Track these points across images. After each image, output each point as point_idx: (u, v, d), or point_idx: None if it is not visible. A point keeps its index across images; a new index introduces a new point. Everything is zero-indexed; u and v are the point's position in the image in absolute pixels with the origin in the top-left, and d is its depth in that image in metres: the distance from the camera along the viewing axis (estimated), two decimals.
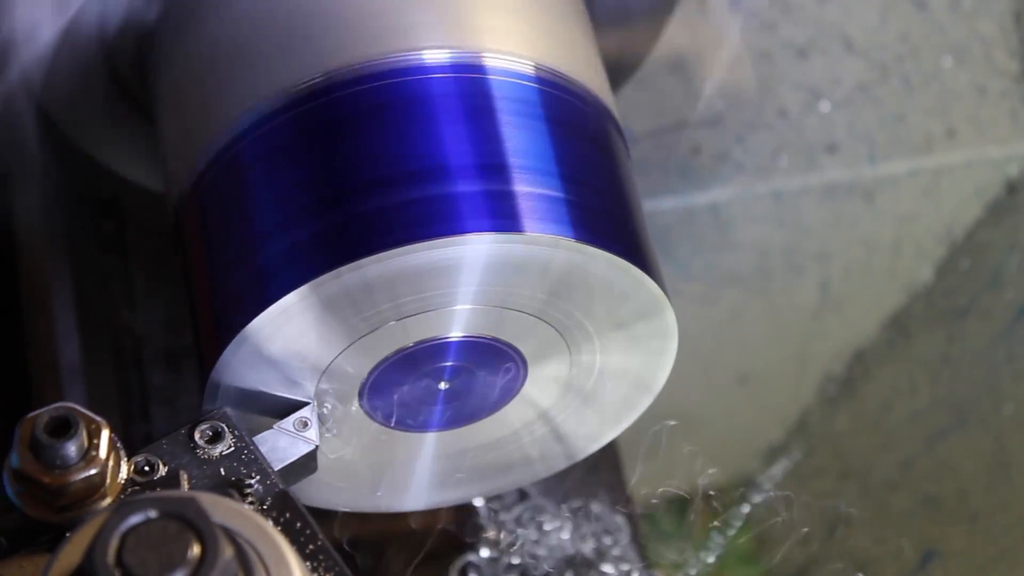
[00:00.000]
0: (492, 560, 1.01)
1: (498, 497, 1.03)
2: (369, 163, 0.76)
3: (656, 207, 1.24)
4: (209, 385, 0.78)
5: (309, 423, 0.78)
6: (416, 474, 0.88)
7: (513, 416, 0.85)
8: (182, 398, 1.05)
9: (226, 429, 0.74)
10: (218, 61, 0.83)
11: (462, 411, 0.84)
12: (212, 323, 0.79)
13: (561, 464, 0.91)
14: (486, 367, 0.82)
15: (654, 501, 1.60)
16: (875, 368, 1.47)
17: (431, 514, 1.03)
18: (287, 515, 0.72)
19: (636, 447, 1.19)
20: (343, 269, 0.74)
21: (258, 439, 0.76)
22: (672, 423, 1.49)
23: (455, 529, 1.02)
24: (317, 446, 0.78)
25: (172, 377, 1.06)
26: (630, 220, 0.81)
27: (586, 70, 0.84)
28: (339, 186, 0.76)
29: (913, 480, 1.43)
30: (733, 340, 1.43)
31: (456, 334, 0.79)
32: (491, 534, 1.01)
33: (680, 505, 1.60)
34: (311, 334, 0.77)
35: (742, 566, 1.57)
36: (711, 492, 1.14)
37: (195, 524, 0.58)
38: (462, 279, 0.76)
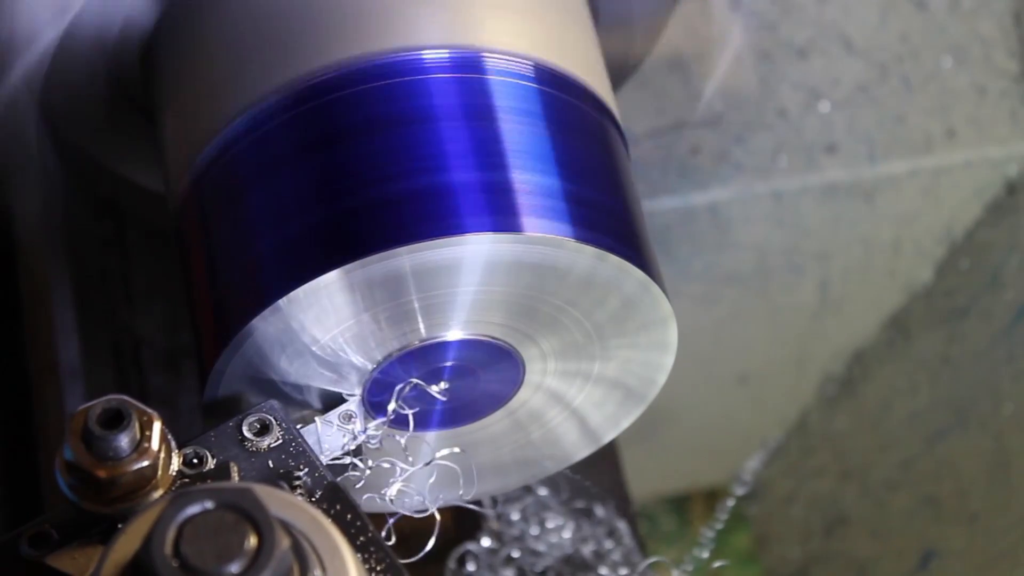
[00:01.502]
0: (491, 551, 1.01)
1: (494, 497, 1.03)
2: (368, 162, 0.76)
3: (656, 207, 1.24)
4: (209, 385, 0.79)
5: (354, 416, 0.78)
6: (416, 474, 0.88)
7: (512, 416, 0.85)
8: (182, 398, 1.05)
9: (274, 422, 0.74)
10: (216, 61, 0.83)
11: (461, 411, 0.84)
12: (211, 323, 0.79)
13: (560, 464, 0.91)
14: (486, 367, 0.82)
15: (654, 501, 1.60)
16: (875, 368, 1.47)
17: (430, 514, 1.03)
18: (338, 507, 0.71)
19: (636, 447, 1.19)
20: (342, 269, 0.74)
21: (306, 430, 0.77)
22: (672, 423, 1.49)
23: (454, 528, 1.03)
24: (364, 437, 0.78)
25: (172, 377, 1.06)
26: (630, 220, 0.81)
27: (586, 70, 0.84)
28: (338, 185, 0.76)
29: (913, 480, 1.43)
30: (733, 340, 1.43)
31: (456, 334, 0.79)
32: (493, 524, 1.01)
33: (680, 505, 1.60)
34: (310, 334, 0.77)
35: (742, 566, 1.57)
36: (711, 492, 1.14)
37: (252, 515, 0.58)
38: (462, 279, 0.76)
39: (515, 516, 1.02)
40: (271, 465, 0.73)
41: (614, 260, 0.78)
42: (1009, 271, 1.35)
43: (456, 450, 0.82)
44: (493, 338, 0.80)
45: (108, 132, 0.95)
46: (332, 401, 0.81)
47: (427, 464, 0.81)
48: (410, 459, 0.81)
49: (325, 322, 0.76)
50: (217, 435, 0.74)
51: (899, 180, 1.30)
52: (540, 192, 0.77)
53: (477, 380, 0.82)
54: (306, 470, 0.73)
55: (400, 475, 0.80)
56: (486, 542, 1.01)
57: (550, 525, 1.02)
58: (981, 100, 1.28)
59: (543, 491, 1.04)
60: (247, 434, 0.74)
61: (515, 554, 1.01)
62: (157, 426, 0.68)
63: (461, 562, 1.02)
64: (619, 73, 0.98)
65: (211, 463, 0.73)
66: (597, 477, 1.05)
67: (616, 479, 1.07)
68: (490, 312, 0.79)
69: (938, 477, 1.41)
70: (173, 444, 0.69)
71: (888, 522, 1.46)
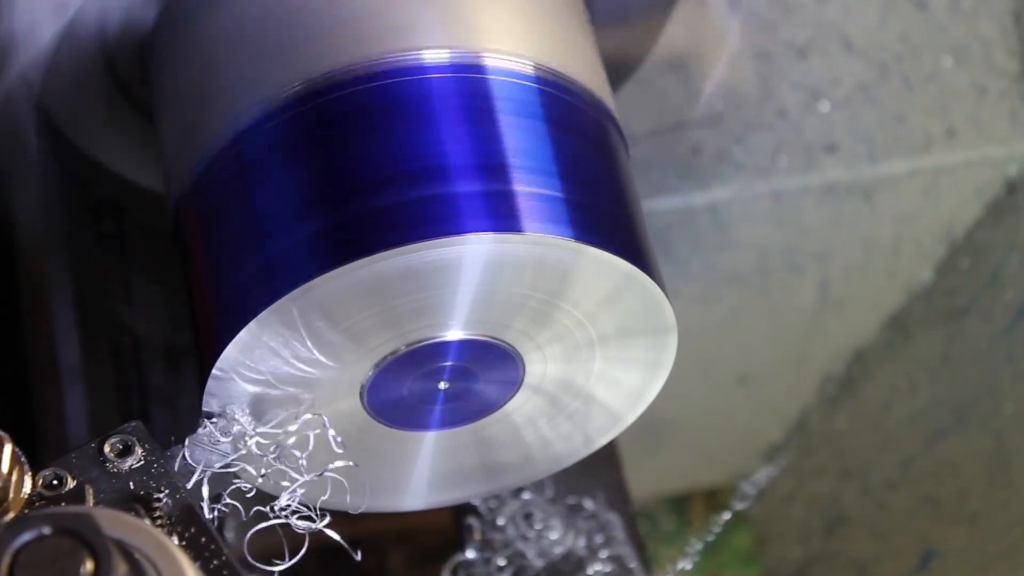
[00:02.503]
0: (484, 560, 1.01)
1: (493, 496, 1.03)
2: (368, 163, 0.76)
3: (656, 207, 1.24)
4: (207, 386, 0.79)
5: (225, 435, 0.78)
6: (415, 474, 0.88)
7: (511, 417, 0.86)
8: (182, 398, 1.05)
9: (136, 442, 0.74)
10: (216, 61, 0.83)
11: (461, 411, 0.84)
12: (211, 323, 0.79)
13: (559, 465, 0.91)
14: (485, 367, 0.82)
15: (654, 501, 1.60)
16: (875, 368, 1.47)
17: (431, 514, 1.03)
18: (192, 530, 0.71)
19: (636, 447, 1.19)
20: (342, 269, 0.74)
21: (172, 451, 0.76)
22: (672, 423, 1.49)
23: (454, 528, 1.03)
24: (233, 458, 0.77)
25: (172, 377, 1.06)
26: (630, 220, 0.81)
27: (586, 70, 0.84)
28: (338, 186, 0.76)
29: (913, 480, 1.43)
30: (733, 340, 1.43)
31: (456, 334, 0.79)
32: (477, 536, 1.01)
33: (680, 505, 1.60)
34: (309, 334, 0.77)
35: (742, 566, 1.58)
36: (711, 492, 1.14)
37: (89, 540, 0.58)
38: (462, 279, 0.76)
39: (504, 521, 1.02)
40: (131, 487, 0.73)
41: (614, 260, 0.78)
42: (1009, 271, 1.35)
43: (351, 463, 0.81)
44: (493, 338, 0.80)
45: (107, 131, 0.95)
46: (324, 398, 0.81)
47: (319, 475, 0.80)
48: (303, 468, 0.80)
49: (325, 322, 0.76)
50: (78, 456, 0.73)
51: (899, 180, 1.30)
52: (540, 193, 0.77)
53: (476, 380, 0.82)
54: (167, 491, 0.73)
55: (293, 485, 0.80)
56: (471, 553, 1.01)
57: (539, 527, 1.02)
58: (981, 100, 1.28)
59: (532, 493, 1.04)
60: (108, 455, 0.73)
61: (501, 562, 1.01)
62: (8, 448, 0.67)
63: (455, 573, 1.02)
64: (619, 73, 0.98)
65: (71, 484, 0.72)
66: (597, 477, 1.05)
67: (616, 479, 1.07)
68: (490, 312, 0.79)
69: (938, 477, 1.41)
70: (27, 467, 0.69)
71: (888, 522, 1.46)
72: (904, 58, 1.25)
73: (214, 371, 0.78)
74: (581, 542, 1.03)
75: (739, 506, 1.23)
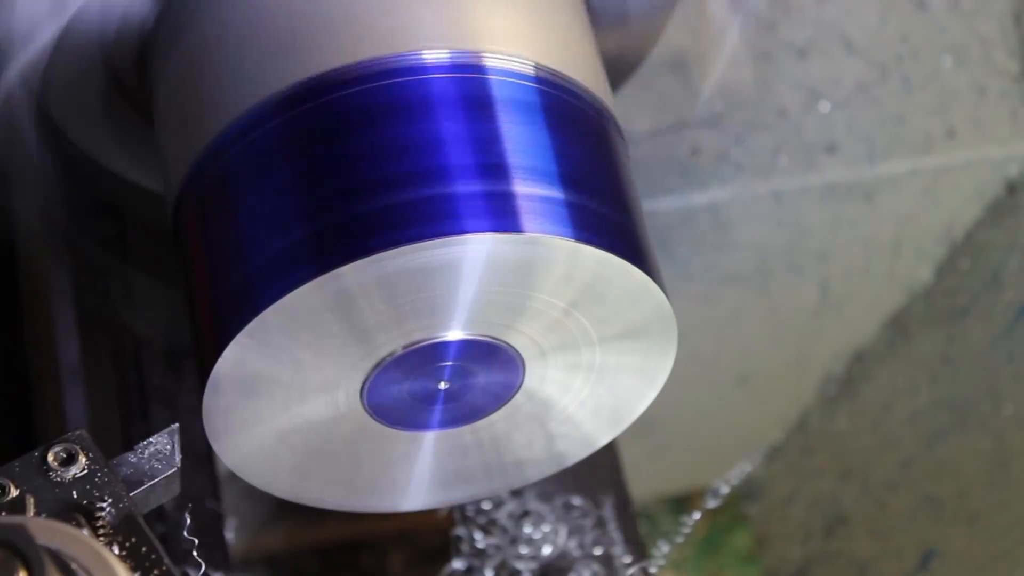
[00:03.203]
0: (476, 567, 1.01)
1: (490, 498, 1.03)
2: (368, 163, 0.76)
3: (656, 207, 1.24)
4: (207, 385, 0.79)
5: (170, 445, 0.78)
6: (415, 474, 0.88)
7: (512, 417, 0.85)
8: (182, 398, 1.05)
9: (80, 451, 0.73)
10: (215, 61, 0.83)
11: (461, 411, 0.84)
12: (211, 324, 0.79)
13: (558, 465, 0.91)
14: (486, 367, 0.82)
15: (654, 501, 1.60)
16: (875, 368, 1.47)
17: (431, 514, 1.03)
18: (133, 539, 0.71)
19: (636, 447, 1.19)
20: (342, 269, 0.74)
21: (119, 460, 0.75)
22: (672, 423, 1.49)
23: (453, 529, 1.03)
24: (178, 468, 0.77)
25: (172, 377, 1.06)
26: (630, 220, 0.81)
27: (586, 70, 0.84)
28: (337, 186, 0.76)
29: (913, 480, 1.43)
30: (733, 340, 1.43)
31: (456, 334, 0.79)
32: (465, 545, 1.01)
33: (680, 505, 1.60)
34: (309, 334, 0.77)
35: (742, 566, 1.58)
36: (711, 492, 1.14)
37: (22, 551, 0.58)
38: (462, 279, 0.76)
39: (495, 525, 1.02)
40: (75, 496, 0.72)
41: (614, 261, 0.78)
42: (1009, 271, 1.35)
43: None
44: (493, 338, 0.80)
45: (107, 131, 0.95)
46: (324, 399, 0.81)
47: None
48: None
49: (324, 322, 0.76)
50: (21, 465, 0.73)
51: (899, 180, 1.30)
52: (540, 193, 0.77)
53: (477, 380, 0.82)
54: (110, 501, 0.72)
55: None
56: (459, 564, 1.01)
57: (539, 528, 1.02)
58: (981, 100, 1.28)
59: (531, 493, 1.04)
60: (52, 464, 0.73)
61: (496, 566, 1.01)
62: None
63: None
64: (619, 73, 0.98)
65: (13, 493, 0.72)
66: (597, 477, 1.05)
67: (616, 479, 1.07)
68: (490, 312, 0.79)
69: (938, 477, 1.41)
70: None
71: (888, 522, 1.46)
72: (904, 58, 1.25)
73: (213, 371, 0.78)
74: (581, 543, 1.03)
75: (711, 505, 1.23)
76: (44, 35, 0.86)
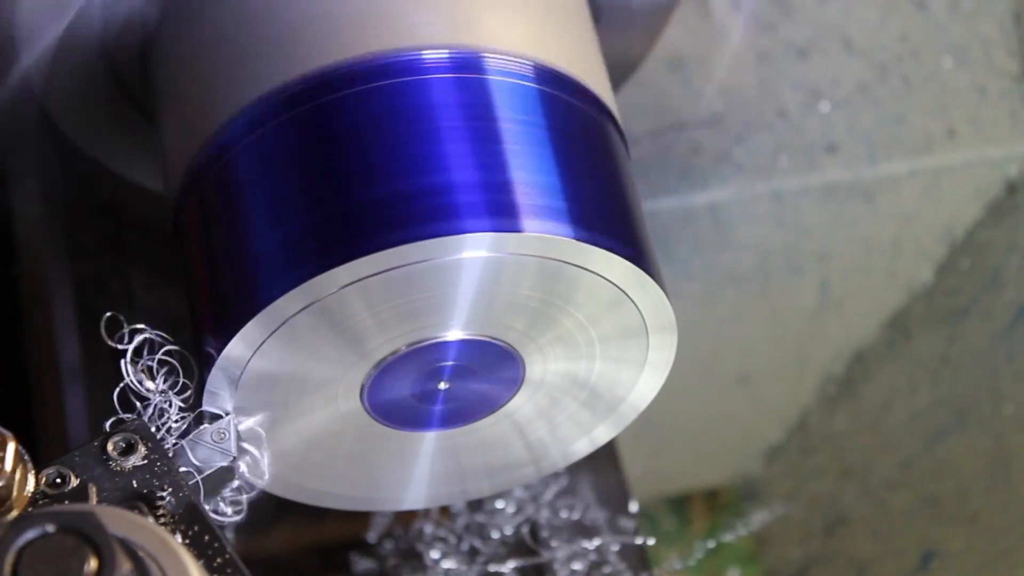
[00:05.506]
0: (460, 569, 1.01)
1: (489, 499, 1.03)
2: (368, 163, 0.76)
3: (656, 207, 1.24)
4: (207, 384, 0.79)
5: (226, 435, 0.78)
6: (415, 474, 0.88)
7: (512, 417, 0.86)
8: None
9: (139, 441, 0.74)
10: (215, 61, 0.83)
11: (461, 411, 0.84)
12: (210, 323, 0.79)
13: (559, 464, 0.91)
14: (485, 367, 0.82)
15: (654, 501, 1.60)
16: (875, 368, 1.47)
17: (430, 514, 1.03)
18: (195, 528, 0.72)
19: (636, 447, 1.19)
20: (341, 269, 0.74)
21: (175, 450, 0.76)
22: (672, 423, 1.49)
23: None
24: (235, 457, 0.77)
25: None
26: (630, 220, 0.81)
27: (586, 70, 0.84)
28: (336, 186, 0.76)
29: (913, 480, 1.43)
30: (733, 340, 1.43)
31: (456, 334, 0.79)
32: (435, 553, 1.01)
33: (680, 505, 1.60)
34: (309, 334, 0.77)
35: (742, 566, 1.58)
36: (711, 492, 1.14)
37: (92, 538, 0.58)
38: (462, 279, 0.76)
39: (462, 528, 1.02)
40: (135, 485, 0.73)
41: (614, 260, 0.78)
42: (1009, 271, 1.35)
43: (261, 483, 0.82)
44: (493, 338, 0.80)
45: (108, 131, 0.95)
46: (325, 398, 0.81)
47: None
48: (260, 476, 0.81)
49: (324, 322, 0.76)
50: (81, 455, 0.73)
51: (899, 180, 1.30)
52: (540, 192, 0.77)
53: (477, 380, 0.82)
54: (170, 490, 0.73)
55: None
56: (448, 564, 1.01)
57: (527, 528, 1.03)
58: (981, 100, 1.28)
59: (530, 493, 1.04)
60: (112, 453, 0.73)
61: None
62: (11, 447, 0.67)
63: None
64: (619, 73, 0.98)
65: (74, 483, 0.72)
66: (597, 477, 1.05)
67: (616, 479, 1.07)
68: (490, 312, 0.79)
69: (938, 477, 1.41)
70: (30, 465, 0.69)
71: (888, 522, 1.46)
72: (904, 58, 1.25)
73: (213, 371, 0.78)
74: (580, 543, 1.03)
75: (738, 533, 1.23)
76: (46, 35, 0.86)
